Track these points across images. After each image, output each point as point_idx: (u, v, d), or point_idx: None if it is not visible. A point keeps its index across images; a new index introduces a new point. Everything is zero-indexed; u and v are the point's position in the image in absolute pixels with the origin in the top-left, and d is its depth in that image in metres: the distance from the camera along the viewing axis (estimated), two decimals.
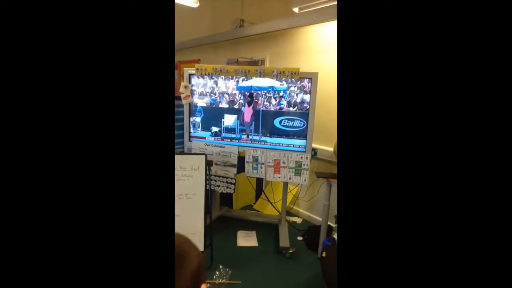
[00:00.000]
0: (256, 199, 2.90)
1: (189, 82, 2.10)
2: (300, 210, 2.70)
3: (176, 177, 1.84)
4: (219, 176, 2.12)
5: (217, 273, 1.76)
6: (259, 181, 2.82)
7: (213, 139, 2.14)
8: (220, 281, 1.72)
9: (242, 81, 2.03)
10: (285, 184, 2.24)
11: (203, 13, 3.54)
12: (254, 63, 2.97)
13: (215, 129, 2.13)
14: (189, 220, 1.83)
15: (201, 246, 1.83)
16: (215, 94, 2.09)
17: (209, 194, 1.93)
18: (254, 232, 2.32)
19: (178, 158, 1.87)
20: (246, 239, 2.22)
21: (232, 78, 2.04)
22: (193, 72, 2.05)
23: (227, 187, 2.12)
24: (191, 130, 2.16)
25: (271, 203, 2.56)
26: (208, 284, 1.67)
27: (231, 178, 2.10)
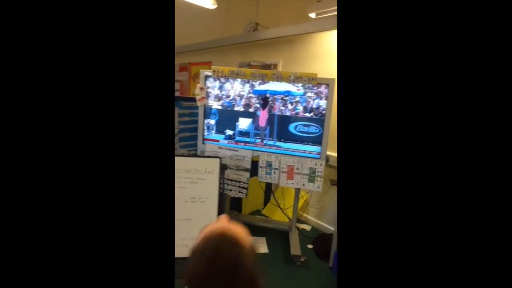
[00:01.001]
0: (265, 204, 2.86)
1: (205, 84, 2.08)
2: (309, 217, 2.66)
3: (190, 180, 1.81)
4: (231, 180, 2.09)
5: None
6: (268, 186, 2.79)
7: (226, 142, 2.11)
8: None
9: (259, 84, 2.01)
10: (297, 190, 2.21)
11: (216, 15, 3.54)
12: (266, 67, 2.96)
13: (229, 132, 2.10)
14: (202, 224, 1.79)
15: None
16: (230, 97, 2.07)
17: (222, 198, 1.90)
18: (264, 239, 2.28)
19: (192, 161, 1.85)
20: (256, 246, 2.18)
21: (248, 82, 2.02)
22: (209, 74, 2.03)
23: (239, 192, 2.09)
24: (205, 133, 2.13)
25: (281, 209, 2.52)
26: None
27: (244, 183, 2.07)
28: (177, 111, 2.05)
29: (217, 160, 1.85)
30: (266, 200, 2.86)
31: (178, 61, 4.38)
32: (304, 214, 2.70)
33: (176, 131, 2.08)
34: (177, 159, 1.84)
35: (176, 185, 1.77)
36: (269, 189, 2.82)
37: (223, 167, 1.89)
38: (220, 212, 1.85)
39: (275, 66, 2.91)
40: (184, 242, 1.79)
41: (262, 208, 2.84)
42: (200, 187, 1.81)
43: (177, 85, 4.50)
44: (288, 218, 2.47)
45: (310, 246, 2.25)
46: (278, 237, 2.32)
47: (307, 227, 2.56)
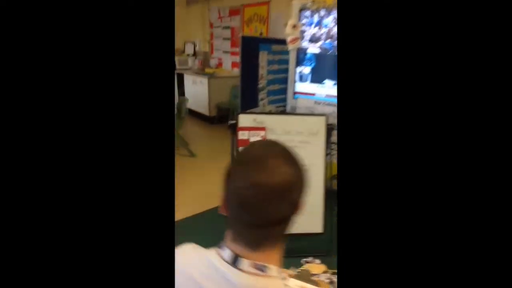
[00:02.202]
0: None
1: (299, 20, 1.63)
2: None
3: (292, 143, 1.48)
4: (330, 143, 1.74)
5: None
6: None
7: (325, 95, 1.71)
8: None
9: None
10: None
11: None
12: None
13: (329, 82, 1.69)
14: (308, 197, 1.50)
15: (320, 227, 1.53)
16: (332, 36, 1.61)
17: (329, 164, 1.58)
18: None
19: (292, 120, 1.52)
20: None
21: None
22: (306, 5, 1.57)
23: None
24: (297, 84, 1.74)
25: None
26: None
27: None
28: (266, 56, 1.65)
29: (322, 118, 1.50)
30: None
31: (228, 4, 3.84)
32: None
33: (264, 83, 1.70)
34: (273, 118, 1.52)
35: None
36: None
37: (330, 127, 1.53)
38: (328, 180, 1.54)
39: None
40: None
41: None
42: (304, 152, 1.47)
43: (227, 33, 4.02)
44: None
45: None
46: None
47: None
